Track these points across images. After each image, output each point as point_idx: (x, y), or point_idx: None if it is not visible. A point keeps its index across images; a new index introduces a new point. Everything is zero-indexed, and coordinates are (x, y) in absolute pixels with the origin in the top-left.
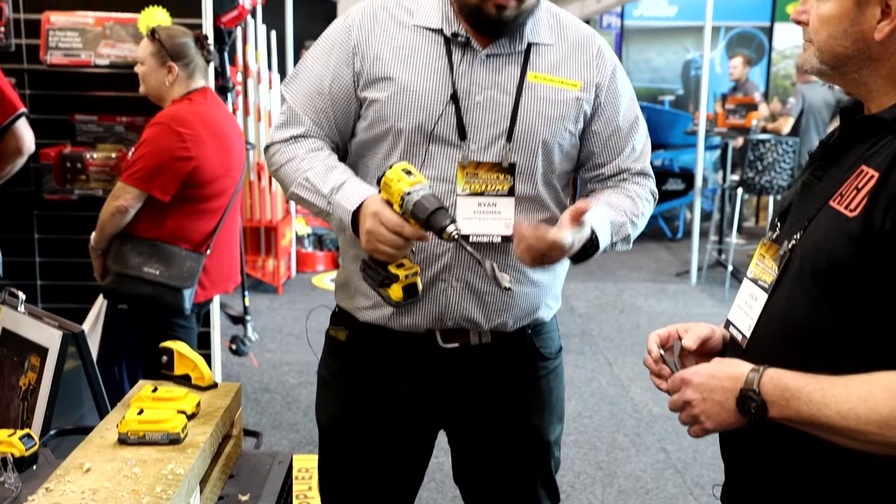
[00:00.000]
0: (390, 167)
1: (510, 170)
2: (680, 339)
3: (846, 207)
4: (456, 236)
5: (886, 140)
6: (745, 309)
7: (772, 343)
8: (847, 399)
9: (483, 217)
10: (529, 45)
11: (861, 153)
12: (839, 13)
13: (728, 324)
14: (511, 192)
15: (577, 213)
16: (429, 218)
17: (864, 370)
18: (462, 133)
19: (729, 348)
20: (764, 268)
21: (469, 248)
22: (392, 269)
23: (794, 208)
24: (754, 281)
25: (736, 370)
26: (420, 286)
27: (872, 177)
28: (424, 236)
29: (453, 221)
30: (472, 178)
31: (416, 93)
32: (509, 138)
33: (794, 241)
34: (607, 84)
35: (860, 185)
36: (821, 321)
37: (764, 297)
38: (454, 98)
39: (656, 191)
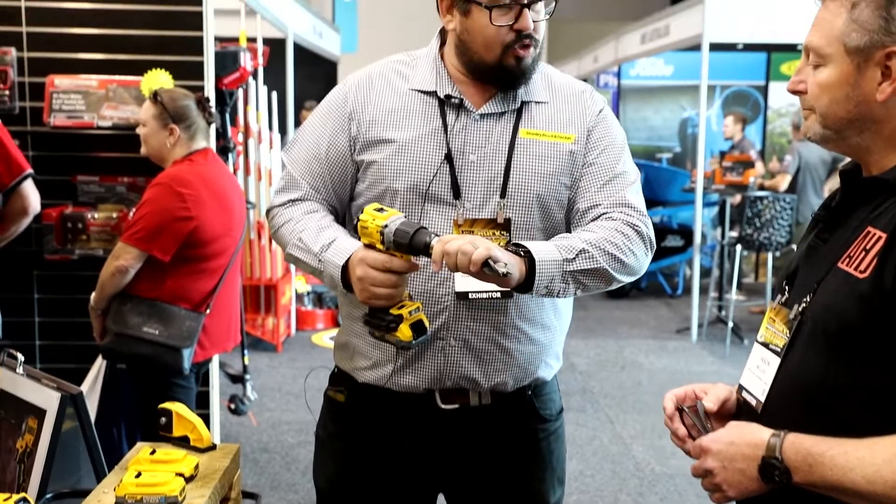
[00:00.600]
0: (361, 210)
1: (505, 226)
2: (699, 399)
3: (855, 269)
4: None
5: (890, 202)
6: (758, 373)
7: (786, 406)
8: (872, 462)
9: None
10: (522, 103)
11: (866, 215)
12: (839, 78)
13: (741, 389)
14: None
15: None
16: (412, 240)
17: (878, 430)
18: (456, 192)
19: (743, 413)
20: (775, 332)
21: None
22: (394, 312)
23: (801, 271)
24: (765, 345)
25: (755, 437)
26: (427, 321)
27: (880, 238)
28: (414, 265)
29: (436, 235)
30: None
31: (411, 154)
32: (503, 195)
33: (804, 304)
34: (593, 126)
35: (868, 247)
36: (834, 382)
37: (776, 360)
38: (448, 158)
39: (642, 226)
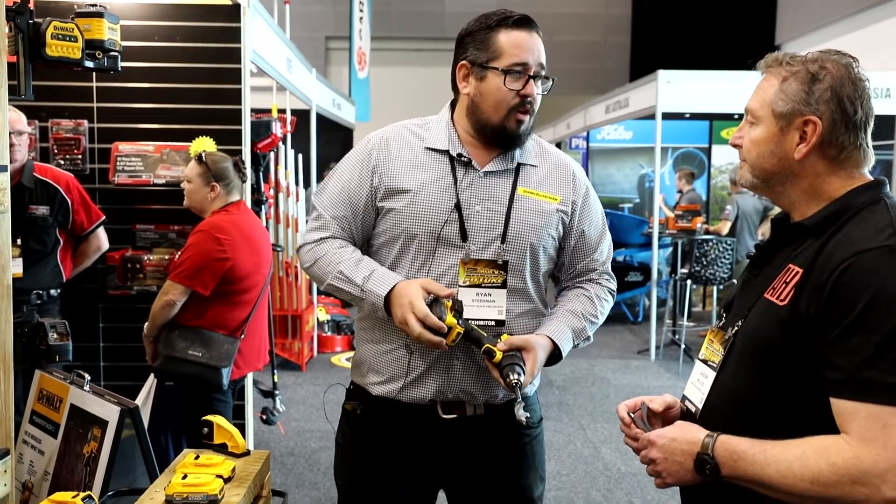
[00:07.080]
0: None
1: (504, 266)
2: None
3: (777, 298)
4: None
5: (808, 242)
6: (697, 385)
7: (719, 412)
8: (784, 459)
9: (480, 304)
10: (519, 164)
11: (788, 254)
12: (766, 137)
13: (684, 398)
14: (504, 285)
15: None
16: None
17: (789, 433)
18: (464, 236)
19: (684, 418)
20: (713, 350)
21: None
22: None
23: (736, 301)
24: (704, 362)
25: (693, 436)
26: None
27: (798, 272)
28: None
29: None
30: (471, 272)
31: (426, 203)
32: (503, 240)
33: (736, 328)
34: (581, 202)
35: (788, 280)
36: (757, 393)
37: (713, 374)
38: (458, 207)
39: (615, 287)
